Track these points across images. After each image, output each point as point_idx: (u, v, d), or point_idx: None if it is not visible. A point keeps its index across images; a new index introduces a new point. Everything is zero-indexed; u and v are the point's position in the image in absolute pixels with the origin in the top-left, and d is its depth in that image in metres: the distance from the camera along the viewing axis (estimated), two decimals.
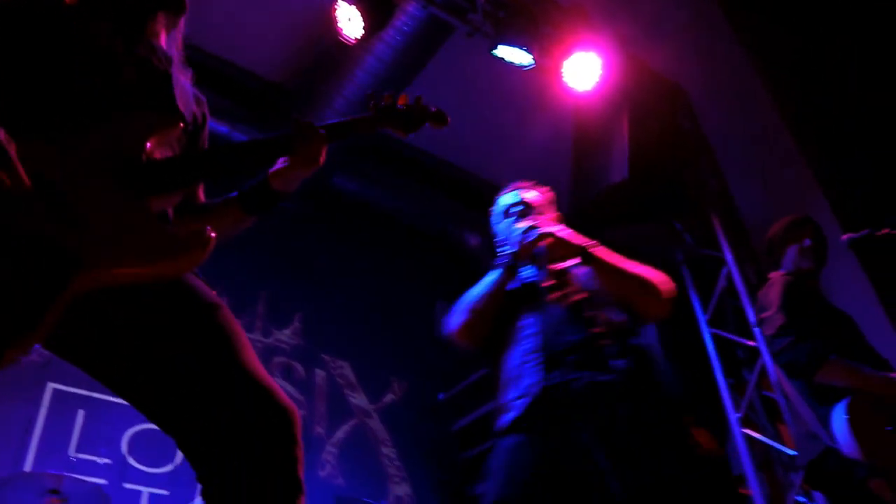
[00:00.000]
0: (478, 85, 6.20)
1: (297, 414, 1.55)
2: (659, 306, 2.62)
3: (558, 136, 6.04)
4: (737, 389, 5.12)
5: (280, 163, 1.91)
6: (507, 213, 3.13)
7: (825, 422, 2.95)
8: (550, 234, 2.72)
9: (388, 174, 6.86)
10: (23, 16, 1.71)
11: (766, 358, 4.71)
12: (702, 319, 5.44)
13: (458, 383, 6.90)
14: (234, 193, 1.98)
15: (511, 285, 2.76)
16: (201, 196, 2.03)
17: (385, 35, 5.66)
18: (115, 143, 1.62)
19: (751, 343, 5.04)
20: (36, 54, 1.68)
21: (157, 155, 1.69)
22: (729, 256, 5.44)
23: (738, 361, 5.26)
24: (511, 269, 2.77)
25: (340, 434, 6.37)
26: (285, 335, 6.58)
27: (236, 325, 1.62)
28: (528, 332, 2.59)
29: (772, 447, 4.75)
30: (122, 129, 1.65)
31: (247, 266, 6.22)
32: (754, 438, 4.81)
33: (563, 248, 2.68)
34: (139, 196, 1.58)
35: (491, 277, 2.78)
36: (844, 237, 3.41)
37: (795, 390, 3.22)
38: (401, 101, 2.12)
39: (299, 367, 6.50)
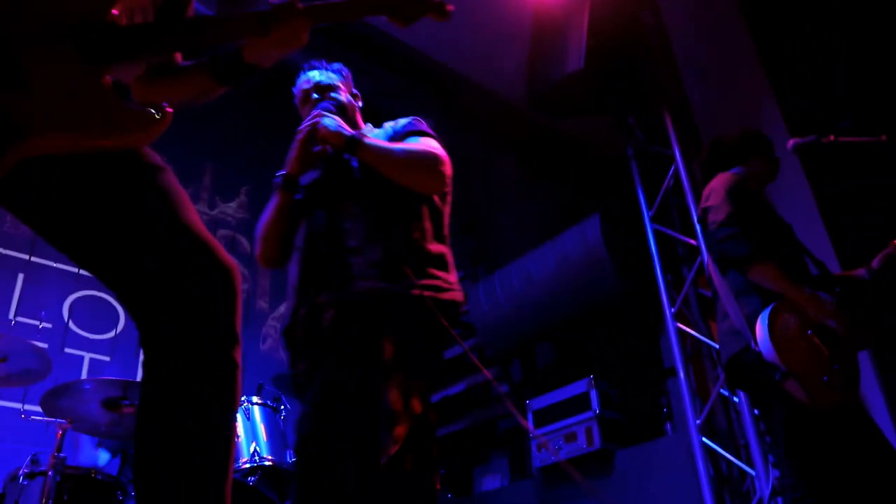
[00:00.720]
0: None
1: (237, 270, 1.56)
2: (430, 180, 2.46)
3: (518, 21, 5.90)
4: (674, 286, 5.27)
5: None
6: (302, 99, 2.86)
7: (751, 322, 2.98)
8: (314, 127, 2.55)
9: (342, 53, 6.65)
10: None
11: (705, 255, 4.81)
12: (646, 215, 5.53)
13: None
14: (205, 59, 1.90)
15: (298, 195, 2.57)
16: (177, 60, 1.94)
17: None
18: (74, 2, 1.53)
19: (692, 241, 5.15)
20: None
21: (125, 21, 1.61)
22: (678, 153, 5.49)
23: (679, 258, 5.39)
24: (288, 179, 2.57)
25: (283, 308, 6.42)
26: (230, 208, 6.54)
27: (178, 186, 1.60)
28: (296, 248, 2.48)
29: (703, 342, 4.93)
30: None
31: (194, 136, 6.10)
32: (686, 333, 4.98)
33: (331, 140, 2.49)
34: (95, 63, 1.50)
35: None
36: (791, 142, 3.44)
37: (726, 287, 3.28)
38: None
39: (244, 241, 6.50)
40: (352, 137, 2.47)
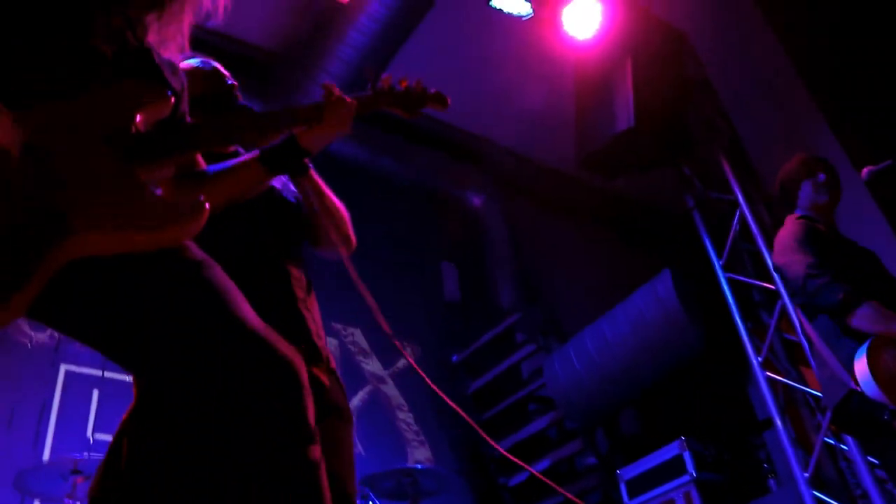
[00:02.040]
0: (475, 40, 6.17)
1: (301, 361, 1.52)
2: (350, 244, 2.45)
3: (560, 88, 5.98)
4: (757, 333, 5.07)
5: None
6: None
7: (847, 364, 2.86)
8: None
9: (387, 137, 6.76)
10: None
11: (786, 299, 4.64)
12: (717, 265, 5.37)
13: (471, 344, 6.85)
14: (255, 153, 1.99)
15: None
16: (199, 164, 2.01)
17: None
18: (104, 111, 1.59)
19: (768, 286, 4.97)
20: (20, 24, 1.65)
21: (147, 127, 1.68)
22: (741, 198, 5.36)
23: (756, 304, 5.20)
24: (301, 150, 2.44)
25: (356, 402, 6.35)
26: None
27: (227, 281, 1.57)
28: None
29: (796, 389, 4.71)
30: (110, 98, 1.63)
31: None
32: (776, 381, 4.76)
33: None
34: (129, 164, 1.56)
35: None
36: (865, 170, 3.34)
37: (816, 332, 3.15)
38: (402, 84, 2.17)
39: None
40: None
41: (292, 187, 2.51)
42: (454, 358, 6.90)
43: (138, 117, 1.63)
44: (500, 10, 5.27)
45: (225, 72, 2.52)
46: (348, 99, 2.00)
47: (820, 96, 5.89)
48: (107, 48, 1.74)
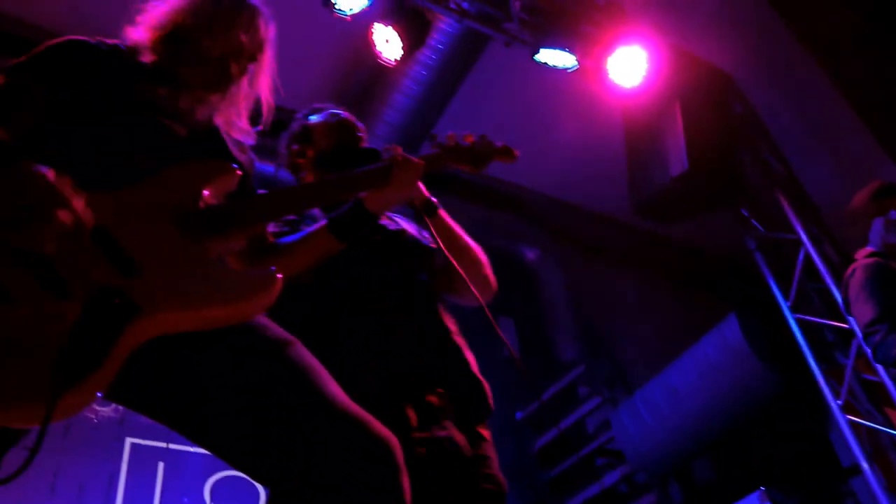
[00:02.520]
0: (521, 93, 6.11)
1: (396, 441, 1.46)
2: (489, 291, 2.41)
3: (609, 136, 5.94)
4: (833, 375, 4.89)
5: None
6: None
7: None
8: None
9: (436, 194, 6.75)
10: (78, 66, 1.77)
11: (861, 338, 4.47)
12: (784, 306, 5.23)
13: (534, 400, 6.74)
14: (323, 222, 2.00)
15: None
16: (269, 236, 2.04)
17: (420, 55, 5.60)
18: (173, 191, 1.64)
19: (841, 325, 4.81)
20: (91, 108, 1.73)
21: (215, 201, 1.70)
22: (804, 237, 5.24)
23: (830, 345, 5.03)
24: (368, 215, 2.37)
25: None
26: None
27: (312, 359, 1.54)
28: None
29: (882, 432, 4.50)
30: (180, 177, 1.67)
31: None
32: (860, 425, 4.56)
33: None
34: (198, 240, 1.58)
35: None
36: None
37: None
38: (467, 140, 2.20)
39: None
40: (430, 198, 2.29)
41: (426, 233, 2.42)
42: (518, 415, 6.77)
43: (206, 192, 1.66)
44: (545, 64, 5.22)
45: (354, 120, 2.52)
46: (414, 160, 2.01)
47: (874, 126, 5.76)
48: (179, 128, 1.81)
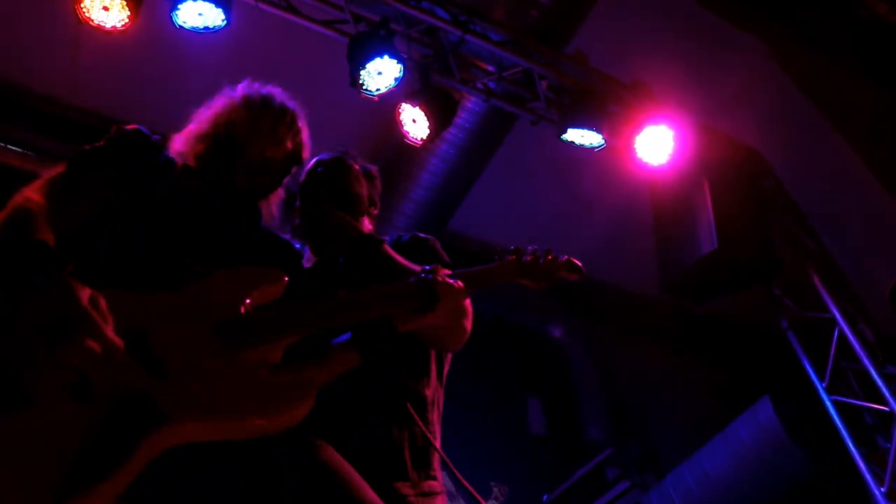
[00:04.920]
0: (547, 170, 6.21)
1: None
2: (462, 339, 2.24)
3: (638, 213, 6.01)
4: (874, 459, 4.74)
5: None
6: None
7: None
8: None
9: (460, 264, 6.74)
10: (140, 164, 1.88)
11: None
12: (820, 388, 5.11)
13: (562, 483, 6.57)
14: (346, 336, 1.86)
15: None
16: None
17: (447, 134, 5.68)
18: (215, 296, 1.66)
19: (881, 407, 4.69)
20: (148, 205, 1.81)
21: (258, 308, 1.72)
22: (838, 315, 5.15)
23: (869, 427, 4.89)
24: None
25: None
26: None
27: (340, 460, 1.60)
28: None
29: None
30: (224, 283, 1.70)
31: None
32: None
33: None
34: (234, 349, 1.57)
35: None
36: None
37: None
38: (529, 257, 2.22)
39: None
40: None
41: None
42: (545, 498, 6.60)
43: (249, 300, 1.67)
44: (572, 143, 5.23)
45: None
46: (459, 284, 1.89)
47: None
48: (230, 230, 1.89)
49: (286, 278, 1.76)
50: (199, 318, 1.59)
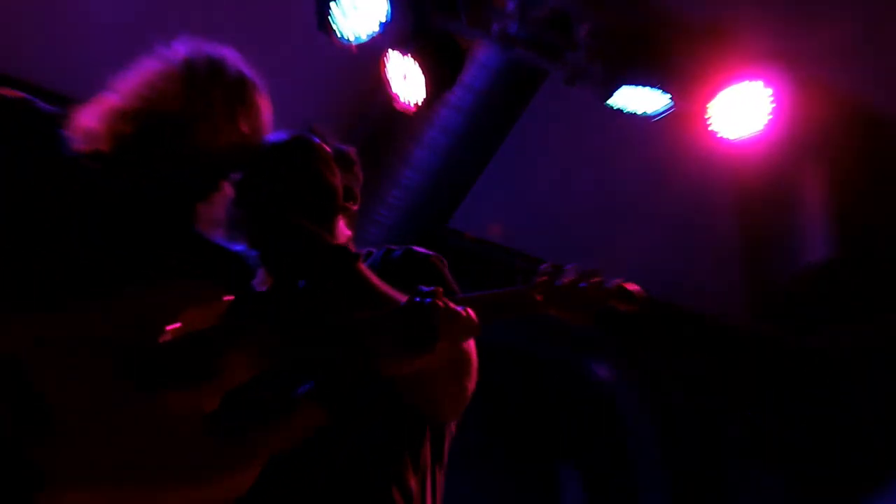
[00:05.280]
0: (588, 150, 6.11)
1: None
2: (460, 402, 2.30)
3: (714, 208, 5.98)
4: None
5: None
6: None
7: None
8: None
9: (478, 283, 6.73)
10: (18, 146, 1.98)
11: None
12: None
13: None
14: (306, 386, 1.83)
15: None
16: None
17: (451, 97, 5.53)
18: (122, 319, 1.70)
19: None
20: (29, 211, 1.88)
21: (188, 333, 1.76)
22: None
23: None
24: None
25: None
26: None
27: None
28: None
29: None
30: (136, 302, 1.75)
31: None
32: None
33: None
34: (151, 391, 1.61)
35: None
36: None
37: None
38: (566, 280, 2.27)
39: None
40: None
41: None
42: None
43: (175, 325, 1.71)
44: (623, 110, 5.13)
45: None
46: (469, 314, 1.86)
47: None
48: (154, 237, 2.00)
49: (228, 298, 1.82)
50: (100, 347, 1.62)
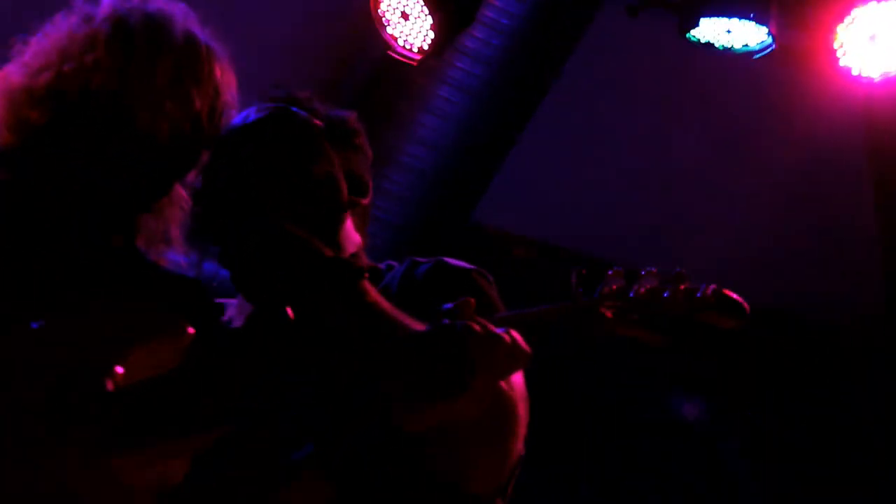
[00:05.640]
0: (659, 109, 6.15)
1: None
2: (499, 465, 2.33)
3: (840, 176, 5.99)
4: None
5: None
6: None
7: None
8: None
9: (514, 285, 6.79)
10: None
11: None
12: None
13: None
14: (307, 450, 1.91)
15: None
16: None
17: (467, 40, 5.50)
18: (53, 358, 1.68)
19: None
20: None
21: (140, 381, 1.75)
22: None
23: None
24: None
25: None
26: None
27: None
28: None
29: None
30: (71, 338, 1.73)
31: None
32: None
33: None
34: (96, 453, 1.57)
35: None
36: None
37: None
38: (643, 290, 2.24)
39: None
40: None
41: None
42: None
43: (123, 366, 1.69)
44: (709, 46, 4.99)
45: None
46: (515, 337, 1.77)
47: None
48: (79, 259, 2.03)
49: (190, 330, 1.79)
50: (26, 392, 1.64)
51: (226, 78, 2.32)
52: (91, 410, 1.62)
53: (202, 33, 2.27)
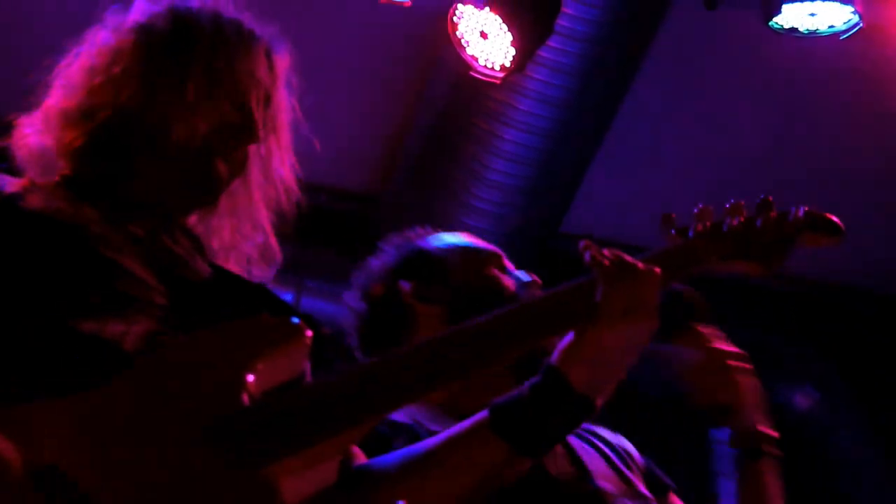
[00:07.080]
0: (749, 100, 6.13)
1: None
2: None
3: None
4: None
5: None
6: None
7: None
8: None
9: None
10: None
11: None
12: None
13: None
14: (482, 414, 1.89)
15: None
16: (359, 454, 2.01)
17: (545, 52, 5.40)
18: (189, 381, 1.72)
19: None
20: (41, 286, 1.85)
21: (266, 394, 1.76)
22: None
23: None
24: None
25: None
26: None
27: None
28: None
29: None
30: (205, 354, 1.77)
31: None
32: None
33: None
34: (248, 466, 1.59)
35: None
36: None
37: None
38: (736, 221, 2.22)
39: None
40: None
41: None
42: None
43: (251, 377, 1.71)
44: (793, 31, 5.01)
45: (496, 250, 2.74)
46: (639, 265, 1.91)
47: None
48: (160, 277, 1.99)
49: (310, 333, 1.80)
50: (168, 428, 1.64)
51: (272, 63, 2.26)
52: (237, 426, 1.63)
53: (245, 20, 2.22)
